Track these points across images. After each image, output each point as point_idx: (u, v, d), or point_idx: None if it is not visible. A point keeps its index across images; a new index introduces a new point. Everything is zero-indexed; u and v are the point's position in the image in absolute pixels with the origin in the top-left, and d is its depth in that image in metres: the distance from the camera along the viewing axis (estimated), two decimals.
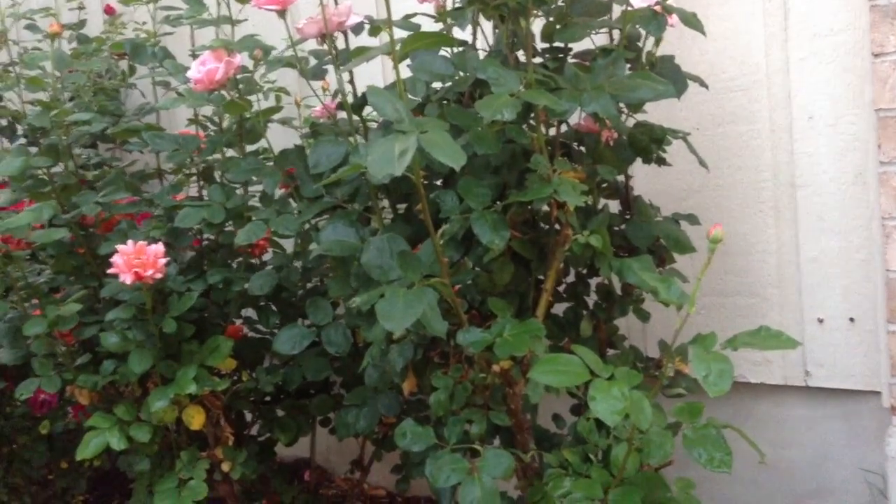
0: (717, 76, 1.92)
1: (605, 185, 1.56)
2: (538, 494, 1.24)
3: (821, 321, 1.85)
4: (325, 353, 1.59)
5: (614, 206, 1.66)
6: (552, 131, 1.49)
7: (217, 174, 1.90)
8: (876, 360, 1.75)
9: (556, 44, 1.49)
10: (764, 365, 1.93)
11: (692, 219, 1.69)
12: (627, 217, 1.60)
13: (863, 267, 1.77)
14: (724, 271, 1.96)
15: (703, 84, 1.65)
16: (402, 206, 1.56)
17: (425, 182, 1.40)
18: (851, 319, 1.81)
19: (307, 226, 1.67)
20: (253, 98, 1.77)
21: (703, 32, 1.49)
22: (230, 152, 1.89)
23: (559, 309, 1.61)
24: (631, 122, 1.57)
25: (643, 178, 1.81)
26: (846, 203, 1.78)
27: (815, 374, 1.86)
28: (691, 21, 1.45)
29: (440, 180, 1.50)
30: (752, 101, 1.89)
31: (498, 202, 1.31)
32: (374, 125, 1.62)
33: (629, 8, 1.43)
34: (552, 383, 1.14)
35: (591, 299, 1.65)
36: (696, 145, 1.63)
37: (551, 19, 1.44)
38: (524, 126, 1.37)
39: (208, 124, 1.99)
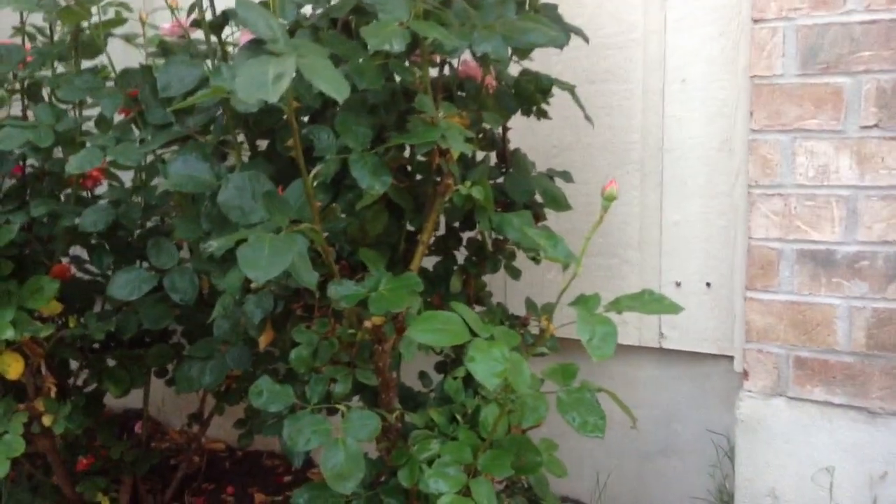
0: (594, 32, 1.87)
1: (482, 135, 1.47)
2: (403, 457, 1.16)
3: (678, 284, 1.87)
4: (165, 299, 1.43)
5: (490, 159, 1.59)
6: (434, 73, 1.39)
7: (46, 92, 1.66)
8: (729, 325, 1.79)
9: None
10: (620, 325, 1.90)
11: (566, 176, 1.64)
12: (504, 170, 1.53)
13: (723, 233, 1.80)
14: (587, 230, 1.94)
15: (584, 38, 1.59)
16: (263, 143, 1.41)
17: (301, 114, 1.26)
18: (708, 284, 1.84)
19: (151, 157, 1.49)
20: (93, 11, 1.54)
21: None
22: (62, 68, 1.66)
23: (428, 262, 1.52)
24: (515, 71, 1.50)
25: (515, 133, 1.75)
26: (711, 169, 1.80)
27: (670, 337, 1.89)
28: None
29: (307, 116, 1.36)
30: (627, 61, 1.86)
31: (377, 144, 1.19)
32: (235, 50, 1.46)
33: None
34: (431, 342, 1.05)
35: (461, 254, 1.58)
36: (569, 102, 1.58)
37: None
38: (407, 63, 1.25)
39: (37, 35, 1.73)
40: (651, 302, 1.04)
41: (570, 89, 1.50)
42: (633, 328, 1.93)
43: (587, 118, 1.58)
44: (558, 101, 1.61)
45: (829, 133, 1.53)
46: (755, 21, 1.57)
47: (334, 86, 0.92)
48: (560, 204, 1.49)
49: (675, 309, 1.06)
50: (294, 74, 0.91)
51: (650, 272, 1.90)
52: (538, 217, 1.52)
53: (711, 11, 1.76)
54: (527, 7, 1.45)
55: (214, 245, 1.03)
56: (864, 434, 1.55)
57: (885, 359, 1.53)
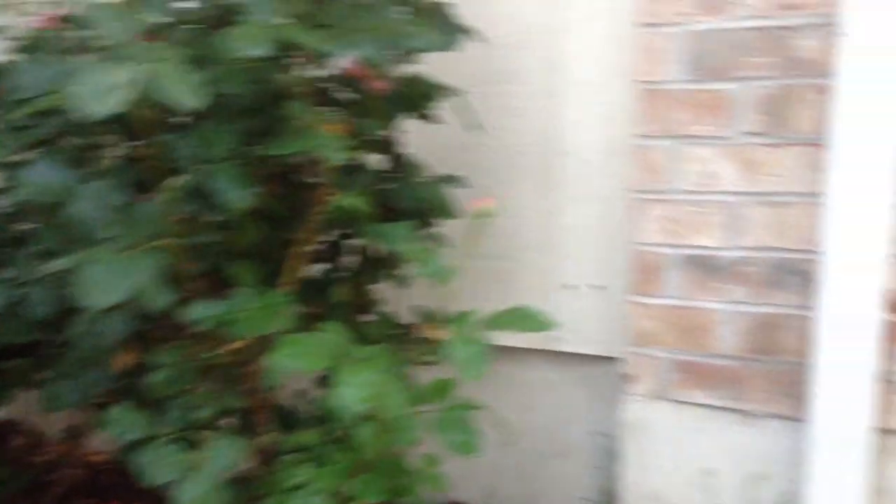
0: (492, 31, 1.84)
1: (374, 138, 1.42)
2: (268, 485, 1.11)
3: (571, 287, 1.87)
4: (28, 311, 1.34)
5: (380, 160, 1.54)
6: (315, 72, 1.33)
7: None
8: (617, 328, 1.80)
9: None
10: None
11: (460, 181, 1.61)
12: (395, 175, 1.48)
13: (613, 237, 1.80)
14: (487, 234, 1.92)
15: (481, 39, 1.56)
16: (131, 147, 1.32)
17: (162, 122, 1.19)
18: (598, 287, 1.85)
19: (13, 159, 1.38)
20: None
21: None
22: None
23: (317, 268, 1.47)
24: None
25: (414, 132, 1.71)
26: (604, 172, 1.80)
27: (562, 339, 1.89)
28: None
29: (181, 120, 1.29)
30: (526, 62, 1.84)
31: (247, 152, 1.13)
32: None
33: None
34: (297, 367, 1.01)
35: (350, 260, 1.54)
36: (472, 102, 1.55)
37: None
38: (282, 65, 1.19)
39: None
40: (525, 318, 1.02)
41: (456, 95, 1.47)
42: None
43: (472, 126, 1.55)
44: (458, 102, 1.57)
45: (716, 139, 1.54)
46: (644, 26, 1.57)
47: (187, 93, 0.86)
48: (447, 213, 1.45)
49: (548, 326, 1.04)
50: (141, 82, 0.85)
51: (546, 275, 1.89)
52: (427, 224, 1.48)
53: (607, 13, 1.75)
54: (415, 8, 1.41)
55: (60, 264, 0.96)
56: (744, 436, 1.58)
57: (764, 362, 1.56)
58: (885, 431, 1.46)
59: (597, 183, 1.80)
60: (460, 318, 1.02)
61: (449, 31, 1.43)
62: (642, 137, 1.60)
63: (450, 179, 1.58)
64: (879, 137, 1.36)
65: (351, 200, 1.12)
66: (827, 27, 1.41)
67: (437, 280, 1.03)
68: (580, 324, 1.86)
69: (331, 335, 0.99)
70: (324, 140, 1.06)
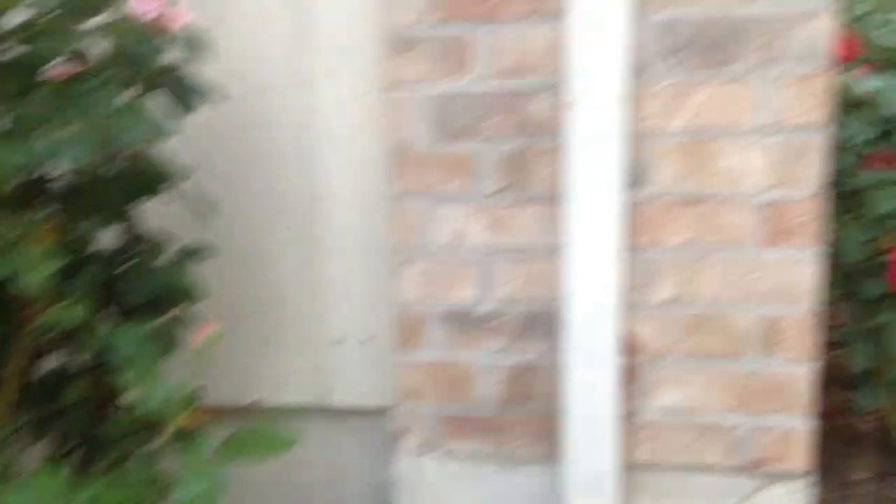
0: (244, 79, 1.77)
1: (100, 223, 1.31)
2: None
3: (340, 341, 1.85)
4: None
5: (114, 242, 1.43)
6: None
7: None
8: (389, 379, 1.80)
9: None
10: (283, 387, 1.88)
11: (208, 252, 1.53)
12: (131, 259, 1.38)
13: (377, 289, 1.80)
14: (247, 289, 1.85)
15: (221, 96, 1.49)
16: None
17: None
18: (367, 340, 1.84)
19: None
20: None
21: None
22: None
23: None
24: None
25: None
26: (364, 225, 1.78)
27: (333, 394, 1.86)
28: (197, 43, 1.27)
29: None
30: (278, 110, 1.78)
31: None
32: None
33: (124, 19, 1.20)
34: None
35: None
36: (222, 152, 1.48)
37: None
38: None
39: None
40: (263, 441, 0.98)
41: (187, 177, 1.39)
42: (295, 387, 1.88)
43: (202, 209, 1.47)
44: (210, 154, 1.50)
45: (464, 198, 1.57)
46: (388, 88, 1.56)
47: None
48: (193, 296, 1.37)
49: (288, 445, 1.01)
50: None
51: (312, 329, 1.85)
52: (169, 311, 1.39)
53: (358, 66, 1.73)
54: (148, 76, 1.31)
55: None
56: (508, 482, 1.63)
57: (522, 409, 1.62)
58: (632, 467, 1.56)
59: (357, 235, 1.78)
60: (192, 444, 0.96)
61: (184, 96, 1.35)
62: (395, 197, 1.60)
63: (196, 252, 1.50)
64: (605, 193, 1.44)
65: (64, 313, 1.02)
66: (555, 89, 1.48)
67: (164, 414, 0.96)
68: (351, 377, 1.84)
69: (46, 481, 0.89)
70: (24, 261, 0.95)
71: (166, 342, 1.24)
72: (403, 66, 1.54)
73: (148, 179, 1.26)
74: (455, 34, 1.51)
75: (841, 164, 1.72)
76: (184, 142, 1.60)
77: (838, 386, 2.16)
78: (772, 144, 1.42)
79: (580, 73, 1.40)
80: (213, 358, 1.63)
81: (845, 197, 1.71)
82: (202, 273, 1.48)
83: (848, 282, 1.84)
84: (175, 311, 1.32)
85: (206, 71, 1.54)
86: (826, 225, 1.71)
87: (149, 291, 1.29)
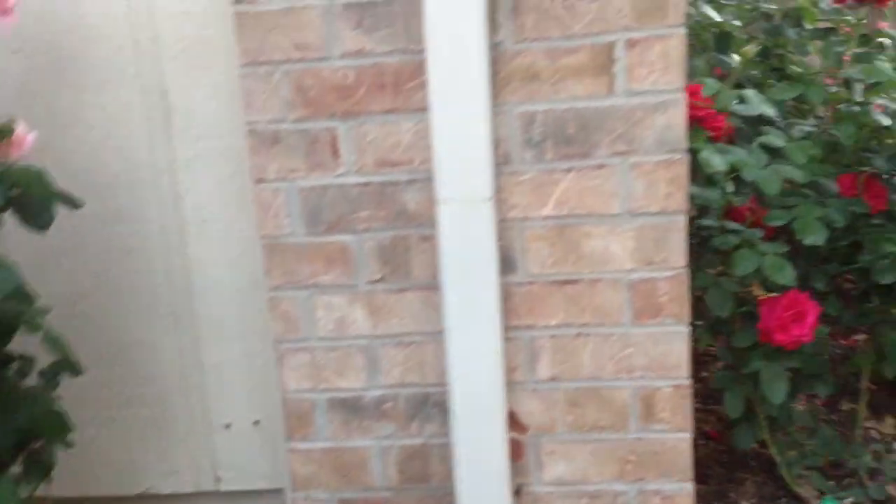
0: (101, 171, 1.72)
1: None
2: None
3: (228, 426, 1.83)
4: None
5: None
6: None
7: None
8: (280, 463, 1.79)
9: None
10: (173, 475, 1.85)
11: (77, 369, 1.47)
12: None
13: (263, 372, 1.78)
14: (126, 381, 1.80)
15: (73, 205, 1.44)
16: None
17: None
18: (256, 422, 1.82)
19: None
20: None
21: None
22: None
23: None
24: None
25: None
26: (245, 310, 1.76)
27: (226, 478, 1.84)
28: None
29: None
30: (139, 201, 1.73)
31: None
32: None
33: None
34: None
35: None
36: (86, 244, 1.44)
37: None
38: None
39: None
40: None
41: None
42: (188, 475, 1.84)
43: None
44: (72, 244, 1.44)
45: (343, 288, 1.57)
46: (257, 181, 1.54)
47: None
48: (62, 430, 1.32)
49: None
50: None
51: (198, 416, 1.82)
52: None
53: (221, 153, 1.69)
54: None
55: None
56: None
57: (417, 490, 1.63)
58: None
59: (238, 320, 1.76)
60: None
61: (36, 213, 1.31)
62: (274, 289, 1.58)
63: (66, 366, 1.45)
64: (481, 280, 1.46)
65: None
66: (427, 181, 1.48)
67: None
68: (243, 460, 1.82)
69: None
70: None
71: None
72: (271, 161, 1.52)
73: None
74: (319, 129, 1.50)
75: (706, 223, 1.80)
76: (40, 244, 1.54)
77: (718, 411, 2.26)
78: (636, 228, 1.46)
79: (447, 168, 1.41)
80: (99, 451, 1.58)
81: (712, 253, 1.78)
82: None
83: (719, 332, 1.92)
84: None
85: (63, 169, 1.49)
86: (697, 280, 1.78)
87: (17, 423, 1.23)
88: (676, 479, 1.56)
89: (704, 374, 2.52)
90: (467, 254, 1.45)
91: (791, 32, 2.28)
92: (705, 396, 2.45)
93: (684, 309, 1.50)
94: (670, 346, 1.51)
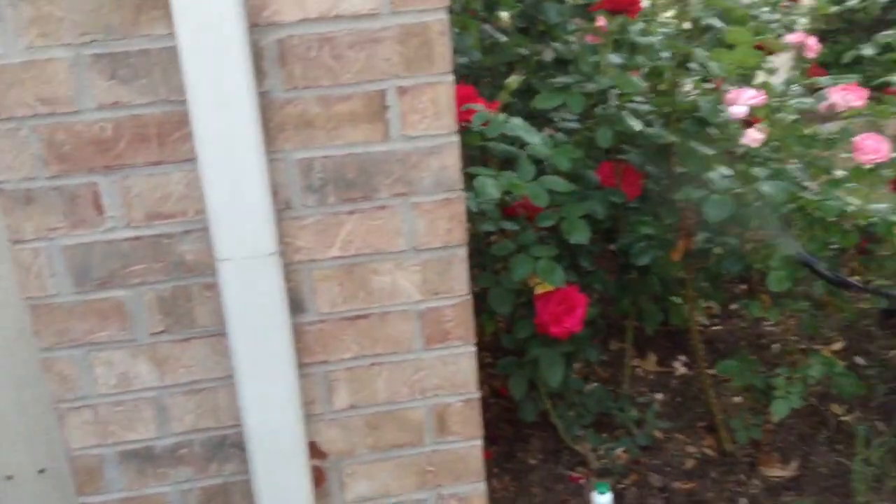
0: None
1: None
2: None
3: (10, 477, 1.72)
4: None
5: None
6: None
7: None
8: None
9: None
10: None
11: None
12: None
13: (44, 419, 1.68)
14: None
15: None
16: None
17: None
18: (42, 471, 1.72)
19: None
20: None
21: None
22: None
23: None
24: None
25: None
26: (15, 358, 1.64)
27: None
28: None
29: None
30: None
31: None
32: None
33: None
34: None
35: None
36: None
37: None
38: None
39: None
40: None
41: None
42: None
43: None
44: None
45: (123, 342, 1.49)
46: (14, 242, 1.41)
47: None
48: None
49: None
50: None
51: None
52: None
53: None
54: None
55: None
56: None
57: None
58: None
59: (9, 370, 1.64)
60: None
61: None
62: (46, 350, 1.48)
63: None
64: (272, 322, 1.45)
65: None
66: (203, 231, 1.43)
67: None
68: None
69: None
70: None
71: None
72: (26, 220, 1.39)
73: None
74: (78, 185, 1.39)
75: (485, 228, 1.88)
76: None
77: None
78: (421, 262, 1.50)
79: (224, 224, 1.37)
80: None
81: (491, 258, 1.88)
82: None
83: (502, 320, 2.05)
84: None
85: None
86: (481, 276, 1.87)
87: None
88: (470, 482, 1.68)
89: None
90: (253, 305, 1.42)
91: (552, 10, 2.38)
92: (495, 350, 2.60)
93: (469, 331, 1.58)
94: (458, 365, 1.59)
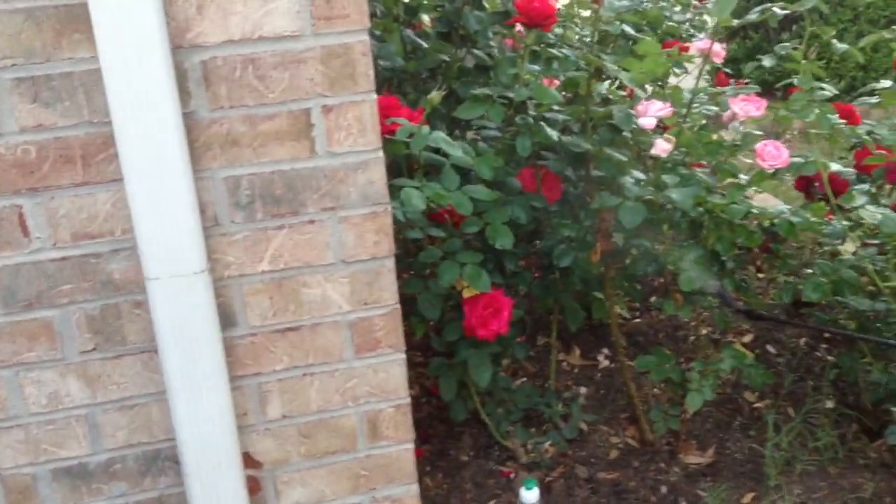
0: None
1: None
2: None
3: None
4: None
5: None
6: None
7: None
8: None
9: None
10: None
11: None
12: None
13: None
14: None
15: None
16: None
17: None
18: None
19: None
20: None
21: None
22: None
23: None
24: None
25: None
26: None
27: None
28: None
29: None
30: None
31: None
32: None
33: None
34: None
35: None
36: None
37: None
38: None
39: None
40: None
41: None
42: None
43: None
44: None
45: (52, 362, 1.50)
46: None
47: None
48: None
49: None
50: None
51: None
52: None
53: None
54: None
55: None
56: None
57: None
58: None
59: None
60: None
61: None
62: None
63: None
64: (201, 337, 1.47)
65: None
66: (131, 250, 1.44)
67: None
68: None
69: None
70: None
71: None
72: None
73: None
74: (3, 207, 1.38)
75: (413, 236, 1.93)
76: None
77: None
78: (349, 274, 1.55)
79: (152, 244, 1.38)
80: None
81: (420, 265, 1.93)
82: None
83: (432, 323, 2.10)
84: None
85: None
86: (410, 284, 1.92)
87: None
88: (403, 484, 1.73)
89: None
90: (183, 322, 1.44)
91: (472, 18, 2.43)
92: (426, 350, 2.65)
93: (399, 339, 1.63)
94: (389, 372, 1.64)
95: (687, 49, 2.19)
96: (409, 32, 2.69)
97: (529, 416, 2.50)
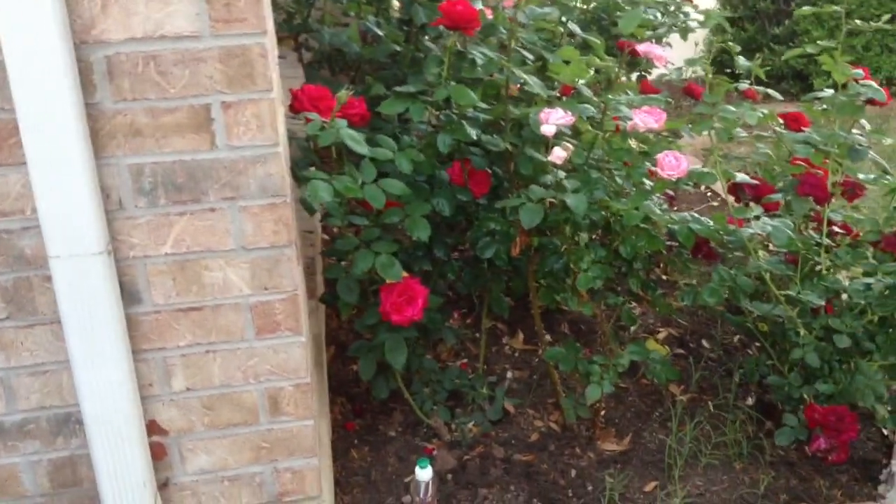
0: None
1: None
2: None
3: None
4: None
5: None
6: None
7: None
8: None
9: None
10: None
11: None
12: None
13: None
14: None
15: None
16: None
17: None
18: None
19: None
20: None
21: None
22: None
23: None
24: None
25: None
26: None
27: None
28: None
29: None
30: None
31: None
32: None
33: None
34: None
35: None
36: None
37: None
38: None
39: None
40: None
41: None
42: None
43: None
44: None
45: None
46: None
47: None
48: None
49: None
50: None
51: None
52: None
53: None
54: None
55: None
56: None
57: (69, 493, 1.77)
58: None
59: None
60: None
61: None
62: None
63: None
64: (101, 318, 1.56)
65: None
66: (39, 229, 1.54)
67: None
68: None
69: None
70: None
71: None
72: None
73: None
74: None
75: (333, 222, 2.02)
76: None
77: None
78: (250, 260, 1.64)
79: (54, 225, 1.47)
80: None
81: (336, 253, 2.02)
82: None
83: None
84: None
85: None
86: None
87: None
88: (303, 457, 1.84)
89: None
90: (83, 299, 1.53)
91: (421, 11, 2.49)
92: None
93: (300, 323, 1.72)
94: (289, 353, 1.74)
95: (637, 53, 2.24)
96: (370, 19, 2.75)
97: (459, 396, 2.60)
